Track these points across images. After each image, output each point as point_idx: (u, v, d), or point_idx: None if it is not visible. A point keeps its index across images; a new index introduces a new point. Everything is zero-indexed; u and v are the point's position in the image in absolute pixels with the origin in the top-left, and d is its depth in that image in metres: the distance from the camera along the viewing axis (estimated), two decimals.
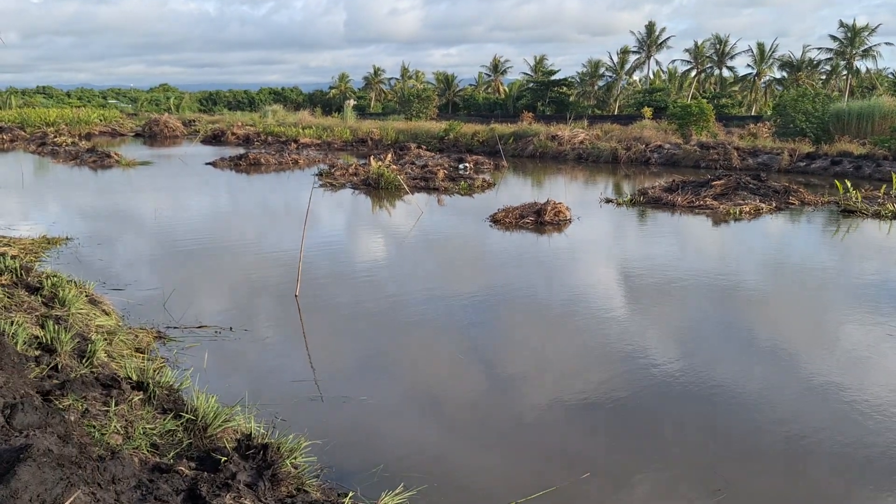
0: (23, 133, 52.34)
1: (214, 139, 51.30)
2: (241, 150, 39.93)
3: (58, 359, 6.38)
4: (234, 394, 7.11)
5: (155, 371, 7.98)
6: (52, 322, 7.20)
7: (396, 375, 8.46)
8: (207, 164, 34.16)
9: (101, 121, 61.54)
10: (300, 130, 49.97)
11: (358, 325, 10.34)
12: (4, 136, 51.44)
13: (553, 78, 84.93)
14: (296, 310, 10.91)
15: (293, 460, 5.04)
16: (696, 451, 6.56)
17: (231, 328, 9.75)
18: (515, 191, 26.58)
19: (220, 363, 8.54)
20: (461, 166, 30.95)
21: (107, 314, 9.43)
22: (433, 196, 24.14)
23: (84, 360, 6.90)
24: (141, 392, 5.87)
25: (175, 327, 9.69)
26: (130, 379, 6.03)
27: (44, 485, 2.68)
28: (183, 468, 4.76)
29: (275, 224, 19.20)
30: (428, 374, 8.52)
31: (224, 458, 4.89)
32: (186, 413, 5.54)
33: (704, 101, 47.05)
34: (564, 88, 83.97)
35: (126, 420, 5.28)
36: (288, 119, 58.08)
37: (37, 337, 6.93)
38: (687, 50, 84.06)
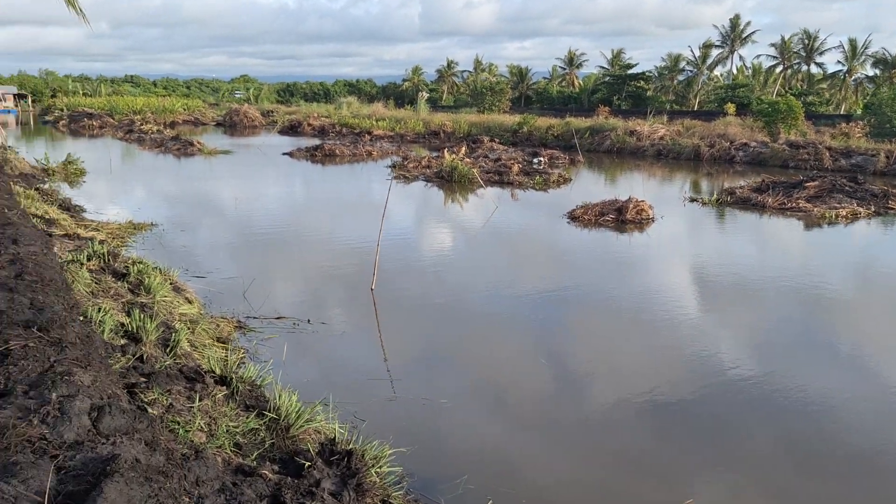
0: (111, 120, 54.63)
1: (291, 130, 52.26)
2: (317, 141, 40.47)
3: (143, 348, 6.35)
4: (313, 389, 6.97)
5: (237, 364, 7.95)
6: (137, 310, 7.21)
7: (475, 377, 8.16)
8: (285, 154, 34.71)
9: (184, 110, 63.63)
10: (374, 122, 50.33)
11: (433, 322, 10.11)
12: (94, 123, 53.84)
13: (630, 72, 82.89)
14: (372, 303, 10.76)
15: (378, 469, 4.80)
16: (775, 465, 6.04)
17: (309, 320, 9.65)
18: (592, 187, 25.87)
19: (299, 356, 8.43)
20: (535, 160, 30.40)
21: (189, 302, 9.48)
22: (506, 190, 23.75)
23: (168, 350, 6.87)
24: (224, 387, 5.76)
25: (254, 317, 9.66)
26: (214, 373, 5.93)
27: (130, 503, 2.50)
28: (266, 472, 4.58)
29: (350, 215, 19.20)
30: (508, 377, 8.18)
31: (308, 464, 4.69)
32: (270, 412, 5.38)
33: (793, 97, 44.78)
34: (642, 82, 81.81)
35: (209, 416, 5.15)
36: (362, 111, 58.65)
37: (123, 324, 6.94)
38: (773, 45, 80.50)
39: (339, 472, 4.72)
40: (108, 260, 9.48)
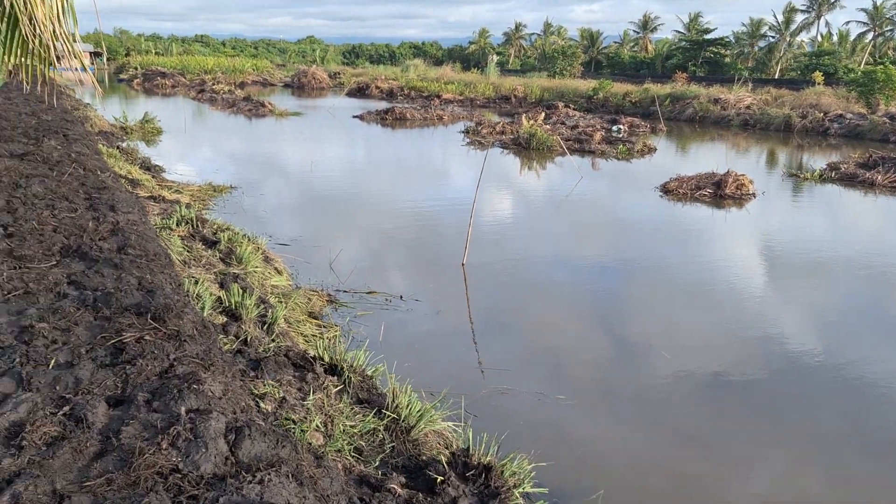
0: (183, 79, 55.18)
1: (359, 92, 51.78)
2: (385, 104, 39.89)
3: (243, 327, 5.87)
4: (414, 376, 6.36)
5: (333, 343, 7.45)
6: (235, 284, 6.74)
7: (587, 367, 7.45)
8: (355, 117, 34.23)
9: (253, 70, 63.84)
10: (442, 86, 49.34)
11: (530, 301, 9.43)
12: (167, 82, 54.49)
13: (708, 37, 79.14)
14: (463, 279, 10.14)
15: (522, 490, 4.18)
16: (839, 447, 5.47)
17: (402, 297, 9.10)
18: (678, 158, 24.56)
19: (394, 337, 7.87)
20: (614, 128, 29.10)
21: (279, 272, 9.03)
22: (586, 159, 22.69)
23: (265, 328, 6.40)
24: (335, 377, 5.21)
25: (345, 291, 9.16)
26: (322, 360, 5.38)
27: None
28: (395, 486, 4.01)
29: (429, 182, 18.58)
30: (627, 368, 7.45)
31: (440, 478, 4.10)
32: (388, 410, 4.81)
33: (892, 66, 41.68)
34: (720, 48, 78.01)
35: (325, 414, 4.61)
36: (429, 74, 57.67)
37: (219, 300, 6.48)
38: (863, 10, 75.47)
39: (476, 491, 4.12)
40: (197, 225, 9.08)
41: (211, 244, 8.54)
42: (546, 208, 15.69)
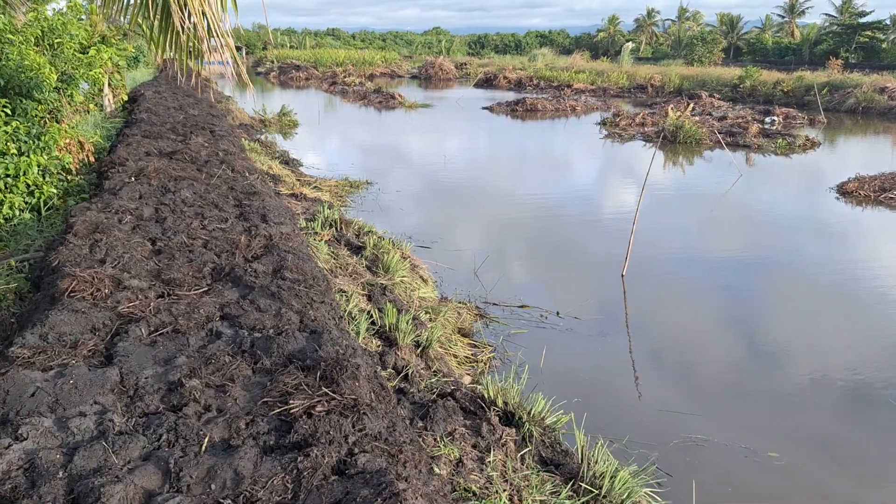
0: (316, 72, 56.63)
1: (486, 83, 50.98)
2: (513, 95, 38.94)
3: (401, 354, 5.15)
4: (583, 416, 5.42)
5: (486, 365, 6.67)
6: (383, 297, 6.06)
7: (796, 413, 6.21)
8: (484, 108, 33.47)
9: (382, 62, 64.63)
10: (572, 75, 47.60)
11: (712, 322, 8.24)
12: (301, 75, 56.11)
13: (863, 20, 72.08)
14: (623, 293, 9.07)
15: None
16: None
17: (558, 313, 8.17)
18: (847, 153, 22.00)
19: (555, 362, 6.94)
20: (767, 120, 26.61)
21: (424, 281, 8.34)
22: (739, 154, 20.70)
23: (419, 351, 5.68)
24: (511, 427, 4.37)
25: (494, 304, 8.34)
26: (496, 404, 4.55)
27: None
28: None
29: (576, 180, 17.50)
30: (852, 416, 6.16)
31: None
32: (584, 483, 3.90)
33: None
34: (876, 33, 70.82)
35: (509, 483, 3.77)
36: (557, 63, 55.98)
37: (371, 317, 5.81)
38: None
39: None
40: (341, 228, 8.55)
41: (356, 250, 7.96)
42: (704, 209, 14.20)
